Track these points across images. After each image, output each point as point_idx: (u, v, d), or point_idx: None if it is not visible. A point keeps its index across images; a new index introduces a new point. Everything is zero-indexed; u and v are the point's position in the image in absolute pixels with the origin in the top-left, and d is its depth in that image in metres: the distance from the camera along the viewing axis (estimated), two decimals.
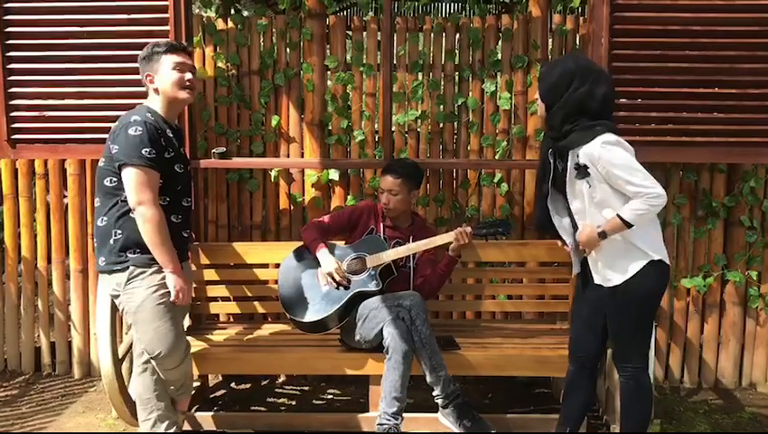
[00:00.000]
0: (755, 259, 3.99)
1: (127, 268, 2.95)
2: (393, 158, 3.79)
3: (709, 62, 3.53)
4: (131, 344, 3.52)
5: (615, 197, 2.74)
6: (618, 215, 2.71)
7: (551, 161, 2.89)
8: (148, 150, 2.87)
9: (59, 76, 3.66)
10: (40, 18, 3.63)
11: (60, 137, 3.71)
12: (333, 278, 3.39)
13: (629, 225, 2.70)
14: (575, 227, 2.91)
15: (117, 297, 3.03)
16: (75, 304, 4.13)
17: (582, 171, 2.75)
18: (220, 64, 4.05)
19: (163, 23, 3.56)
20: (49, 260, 4.17)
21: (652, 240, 2.80)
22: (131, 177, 2.87)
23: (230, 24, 4.06)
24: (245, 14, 4.17)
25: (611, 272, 2.81)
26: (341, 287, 3.39)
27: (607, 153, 2.69)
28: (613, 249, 2.79)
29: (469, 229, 3.41)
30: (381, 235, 3.51)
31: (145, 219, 2.88)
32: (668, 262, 2.83)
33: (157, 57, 2.99)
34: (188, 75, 3.03)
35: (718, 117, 3.60)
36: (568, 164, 2.80)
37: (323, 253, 3.44)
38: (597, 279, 2.87)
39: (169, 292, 2.97)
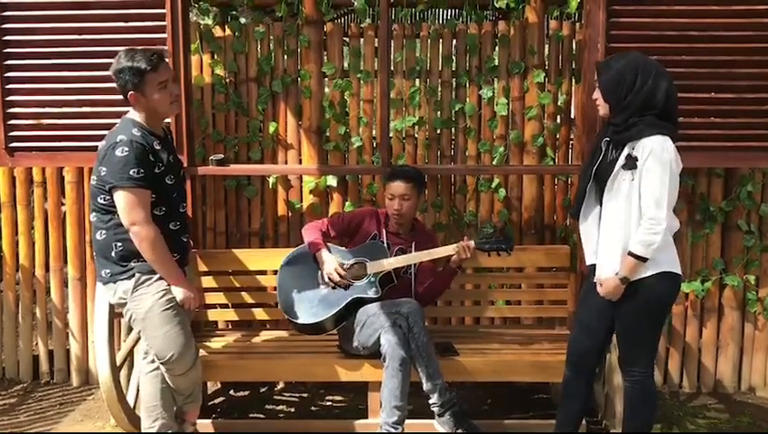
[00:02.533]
0: (753, 263, 3.99)
1: (133, 275, 2.97)
2: (393, 165, 3.78)
3: (706, 67, 3.54)
4: (129, 351, 3.52)
5: (632, 204, 2.73)
6: (630, 253, 2.72)
7: (603, 149, 2.87)
8: (136, 170, 2.87)
9: (56, 84, 3.66)
10: (37, 26, 3.63)
11: (58, 145, 3.70)
12: (333, 279, 3.38)
13: (643, 259, 2.71)
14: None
15: (124, 305, 3.03)
16: (73, 312, 4.13)
17: (631, 162, 2.73)
18: (217, 71, 4.05)
19: (161, 30, 3.56)
20: (47, 268, 4.16)
21: (667, 250, 2.81)
22: (122, 199, 2.88)
23: (228, 32, 4.06)
24: (242, 21, 4.16)
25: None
26: (340, 289, 3.38)
27: (659, 153, 2.68)
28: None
29: (472, 243, 3.40)
30: (385, 241, 3.50)
31: (141, 238, 2.90)
32: (679, 272, 2.84)
33: (142, 76, 2.92)
34: (174, 90, 3.05)
35: (715, 121, 3.61)
36: (622, 154, 2.78)
37: (322, 253, 3.43)
38: (607, 271, 2.83)
39: (175, 297, 3.00)
